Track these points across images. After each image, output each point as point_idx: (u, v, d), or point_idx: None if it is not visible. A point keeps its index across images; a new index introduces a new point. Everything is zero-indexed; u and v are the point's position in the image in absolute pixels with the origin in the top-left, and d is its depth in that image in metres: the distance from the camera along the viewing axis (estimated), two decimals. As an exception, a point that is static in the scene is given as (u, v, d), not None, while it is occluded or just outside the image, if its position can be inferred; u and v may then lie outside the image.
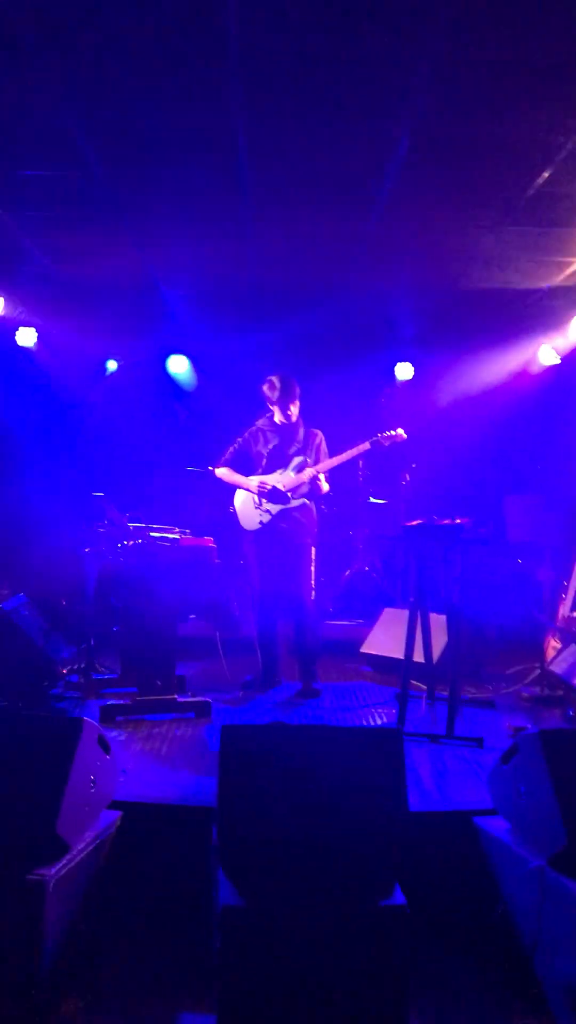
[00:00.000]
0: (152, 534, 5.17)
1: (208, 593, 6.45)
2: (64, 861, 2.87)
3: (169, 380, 8.79)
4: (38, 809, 2.90)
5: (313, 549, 5.67)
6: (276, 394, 5.55)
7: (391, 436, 5.60)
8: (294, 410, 5.61)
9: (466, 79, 4.08)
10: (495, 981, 3.17)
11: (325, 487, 5.62)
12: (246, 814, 2.86)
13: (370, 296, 7.65)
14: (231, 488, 5.77)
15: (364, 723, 4.97)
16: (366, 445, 5.57)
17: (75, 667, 5.70)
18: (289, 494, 5.54)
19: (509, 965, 3.16)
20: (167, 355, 8.72)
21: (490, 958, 3.27)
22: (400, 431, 5.61)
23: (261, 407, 5.77)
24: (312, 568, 5.65)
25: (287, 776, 2.92)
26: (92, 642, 5.69)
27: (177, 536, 5.19)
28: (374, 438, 5.59)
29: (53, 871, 2.79)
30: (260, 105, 4.37)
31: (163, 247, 6.53)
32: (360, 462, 8.15)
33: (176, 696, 5.01)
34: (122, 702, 4.95)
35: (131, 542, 5.11)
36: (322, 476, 5.56)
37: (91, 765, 3.16)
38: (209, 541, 5.26)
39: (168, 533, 5.22)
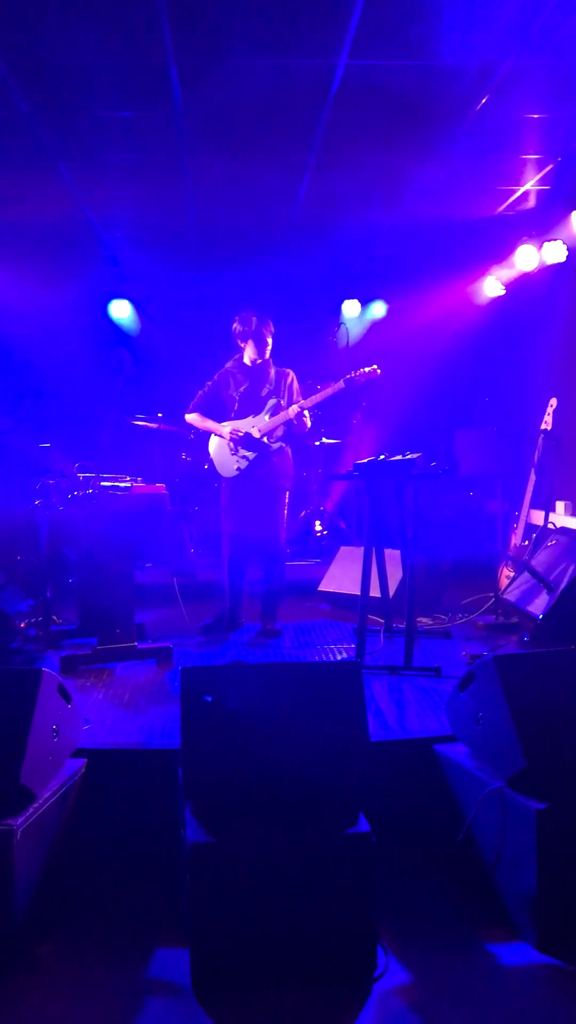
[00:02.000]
0: (103, 484, 5.10)
1: (163, 540, 6.41)
2: (31, 810, 2.88)
3: (112, 325, 8.63)
4: (1, 760, 2.90)
5: (288, 493, 5.66)
6: (252, 326, 5.43)
7: (365, 373, 5.51)
8: (269, 343, 5.51)
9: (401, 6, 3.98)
10: (460, 900, 3.27)
11: (308, 423, 5.55)
12: (210, 753, 2.89)
13: (314, 232, 7.54)
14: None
15: (324, 659, 5.02)
16: (340, 384, 5.49)
17: (33, 620, 5.66)
18: (265, 439, 5.49)
19: (473, 884, 3.26)
20: (109, 300, 8.55)
21: (455, 878, 3.37)
22: (375, 368, 5.52)
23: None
24: (285, 512, 5.65)
25: (249, 714, 2.94)
26: (48, 594, 5.65)
27: (128, 484, 5.13)
28: (348, 376, 5.50)
29: (20, 820, 2.80)
30: (192, 40, 4.23)
31: (100, 189, 6.35)
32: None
33: (136, 643, 5.01)
34: (82, 652, 4.94)
35: (82, 492, 5.04)
36: (306, 413, 5.49)
37: (53, 715, 3.16)
38: (161, 488, 5.22)
39: (119, 482, 5.16)
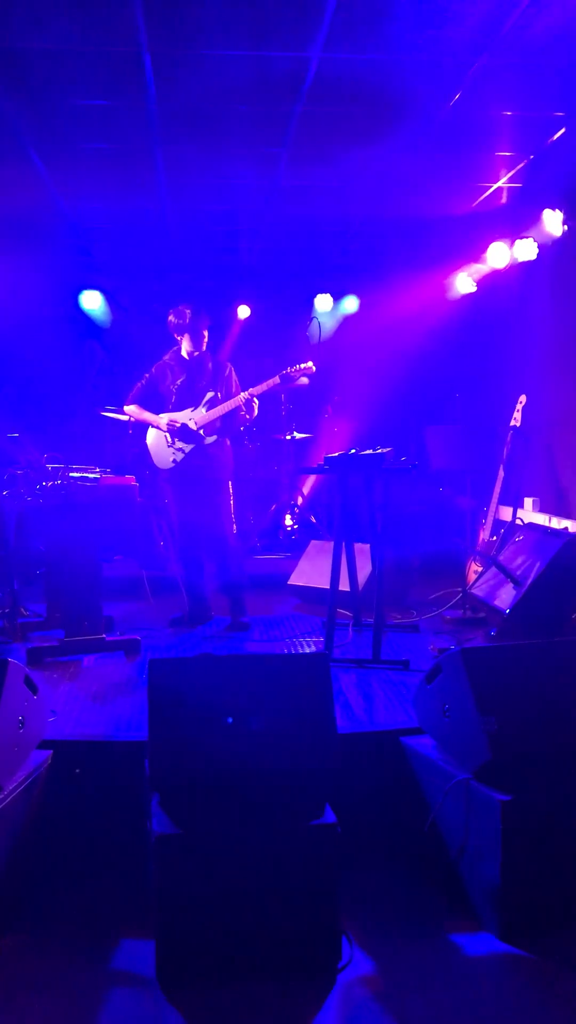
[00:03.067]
0: (72, 475, 5.07)
1: (133, 532, 6.39)
2: (-5, 802, 2.87)
3: (83, 316, 8.56)
4: (-34, 752, 2.88)
5: (230, 484, 5.64)
6: (187, 319, 5.43)
7: (300, 369, 5.53)
8: (205, 336, 5.51)
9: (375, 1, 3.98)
10: (425, 891, 3.30)
11: (255, 412, 5.52)
12: (177, 745, 2.88)
13: (287, 225, 7.54)
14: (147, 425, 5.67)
15: (293, 652, 5.03)
16: (275, 380, 5.50)
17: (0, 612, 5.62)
18: (201, 431, 5.47)
19: (437, 875, 3.29)
20: (80, 290, 8.48)
21: (420, 870, 3.40)
22: (310, 364, 5.55)
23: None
24: (231, 503, 5.63)
25: (216, 705, 2.94)
26: (16, 586, 5.61)
27: (98, 475, 5.11)
28: (283, 372, 5.52)
29: (-16, 812, 2.78)
30: (166, 29, 4.21)
31: (73, 177, 6.30)
32: (283, 396, 8.12)
33: (104, 635, 4.99)
34: (49, 644, 4.92)
35: (50, 483, 5.01)
36: (256, 401, 5.46)
37: (18, 706, 3.14)
38: (131, 480, 5.19)
39: (88, 473, 5.13)
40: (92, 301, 8.50)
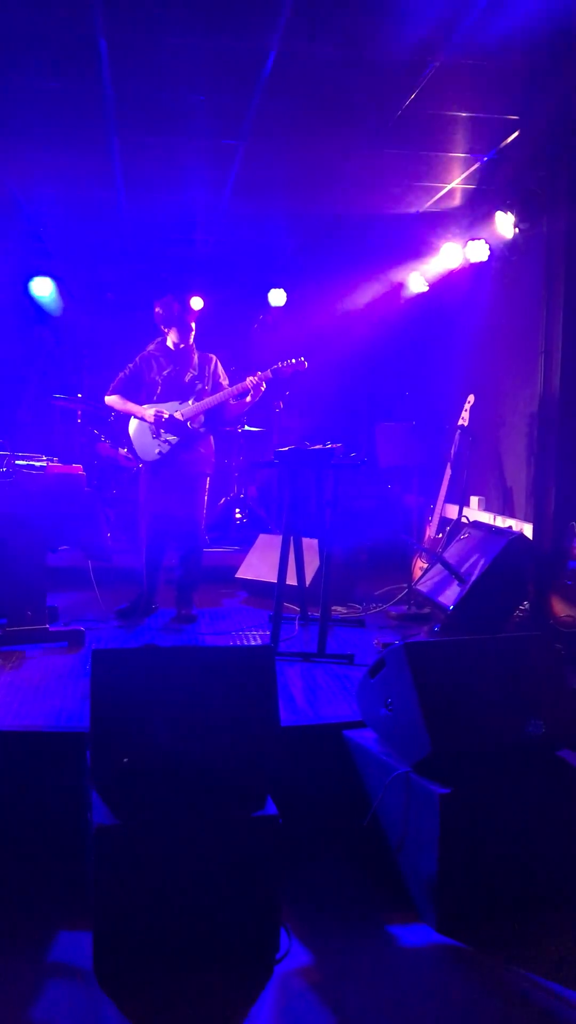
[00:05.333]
0: (18, 462, 5.00)
1: (79, 522, 6.32)
2: None
3: (33, 303, 8.43)
4: None
5: (208, 479, 5.63)
6: (175, 312, 5.39)
7: (291, 364, 5.50)
8: (193, 328, 5.47)
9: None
10: (364, 883, 3.32)
11: (248, 400, 5.48)
12: (119, 736, 2.86)
13: (241, 219, 7.51)
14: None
15: (239, 645, 5.03)
16: (267, 374, 5.46)
17: None
18: (189, 423, 5.44)
19: (377, 867, 3.32)
20: (30, 277, 8.35)
21: (360, 862, 3.42)
22: (303, 359, 5.52)
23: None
24: (206, 498, 5.63)
25: (160, 697, 2.93)
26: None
27: (44, 464, 5.04)
28: (275, 366, 5.49)
29: None
30: (123, 13, 4.14)
31: (24, 160, 6.19)
32: (280, 394, 8.09)
33: (48, 626, 4.94)
34: (-9, 634, 4.85)
35: (-4, 471, 4.93)
36: (264, 386, 5.41)
37: (-43, 696, 3.09)
38: (78, 469, 5.14)
39: (35, 461, 5.06)
40: (43, 288, 8.37)
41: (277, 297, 8.77)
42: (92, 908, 2.73)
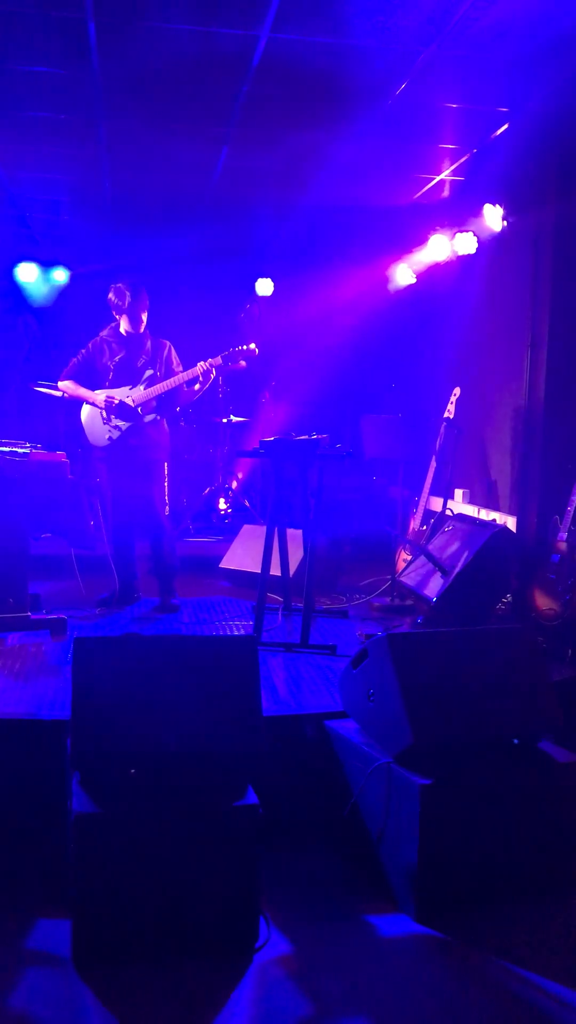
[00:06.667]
0: (1, 449, 4.96)
1: (62, 510, 6.29)
2: None
3: (17, 289, 8.36)
4: None
5: (165, 465, 5.59)
6: (126, 302, 5.37)
7: (242, 351, 5.51)
8: (143, 319, 5.45)
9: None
10: (344, 873, 3.33)
11: (196, 388, 5.48)
12: (100, 724, 2.85)
13: (230, 207, 7.48)
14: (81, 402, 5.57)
15: (221, 634, 5.02)
16: (218, 360, 5.47)
17: None
18: (139, 409, 5.42)
19: (357, 857, 3.33)
20: (15, 262, 8.28)
21: (340, 852, 3.43)
22: (253, 346, 5.53)
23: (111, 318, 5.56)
24: (165, 484, 5.59)
25: (141, 685, 2.92)
26: None
27: (28, 451, 5.00)
28: (225, 352, 5.50)
29: None
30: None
31: (11, 144, 6.14)
32: (220, 379, 8.07)
33: (30, 614, 4.91)
34: (-28, 621, 4.82)
35: (-22, 457, 4.90)
36: (209, 374, 5.42)
37: None
38: (61, 456, 5.10)
39: (18, 448, 5.03)
40: (28, 274, 8.31)
41: (264, 287, 8.74)
42: (71, 896, 2.73)
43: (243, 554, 6.40)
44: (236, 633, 5.13)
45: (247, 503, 8.29)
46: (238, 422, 8.30)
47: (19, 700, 3.81)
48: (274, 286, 8.77)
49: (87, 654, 2.94)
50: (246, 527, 6.69)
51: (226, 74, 4.90)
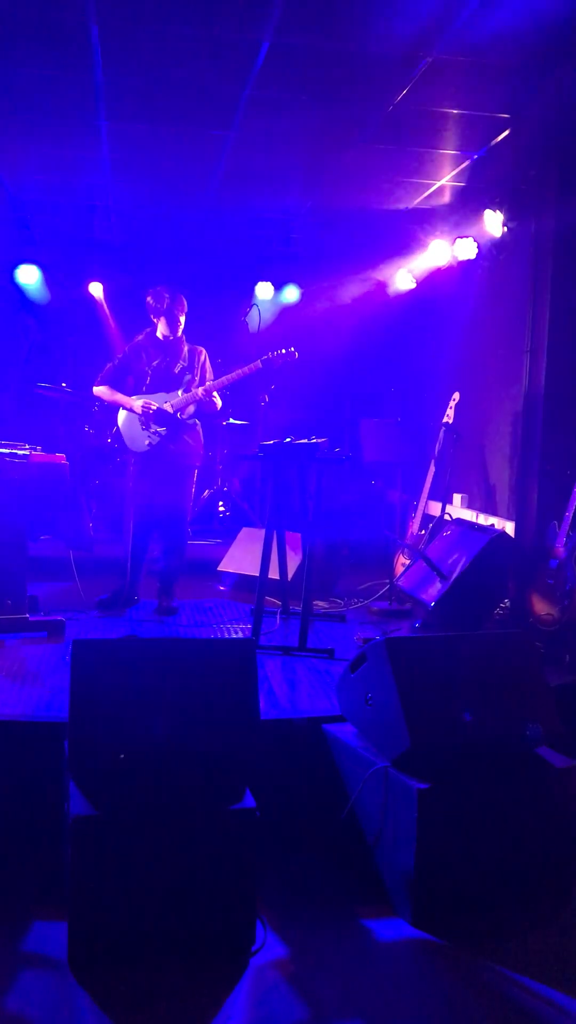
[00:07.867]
0: (0, 450, 4.96)
1: (61, 512, 6.29)
2: None
3: (18, 291, 8.36)
4: None
5: (196, 471, 5.64)
6: (164, 304, 5.39)
7: (282, 355, 5.51)
8: (181, 323, 5.47)
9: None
10: (341, 877, 3.33)
11: (219, 403, 5.56)
12: (98, 726, 2.85)
13: (231, 211, 7.48)
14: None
15: (220, 637, 5.02)
16: (257, 364, 5.47)
17: None
18: (178, 415, 5.44)
19: (354, 861, 3.33)
20: (16, 264, 8.28)
21: (337, 856, 3.43)
22: (293, 350, 5.54)
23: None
24: (194, 490, 5.64)
25: (139, 688, 2.92)
26: None
27: (27, 452, 5.01)
28: (265, 357, 5.50)
29: None
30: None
31: (13, 146, 6.14)
32: (271, 385, 8.07)
33: (28, 615, 4.91)
34: (-30, 622, 4.81)
35: (-23, 458, 4.90)
36: (215, 393, 5.47)
37: None
38: (61, 458, 5.10)
39: (18, 449, 5.03)
40: (29, 276, 8.31)
41: (264, 290, 8.74)
42: (68, 898, 2.73)
43: (241, 557, 6.40)
44: (234, 636, 5.13)
45: (246, 506, 8.29)
46: (237, 425, 8.30)
47: (17, 702, 3.81)
48: (274, 290, 8.78)
49: (85, 656, 2.94)
50: (245, 530, 6.69)
51: (228, 78, 4.90)
